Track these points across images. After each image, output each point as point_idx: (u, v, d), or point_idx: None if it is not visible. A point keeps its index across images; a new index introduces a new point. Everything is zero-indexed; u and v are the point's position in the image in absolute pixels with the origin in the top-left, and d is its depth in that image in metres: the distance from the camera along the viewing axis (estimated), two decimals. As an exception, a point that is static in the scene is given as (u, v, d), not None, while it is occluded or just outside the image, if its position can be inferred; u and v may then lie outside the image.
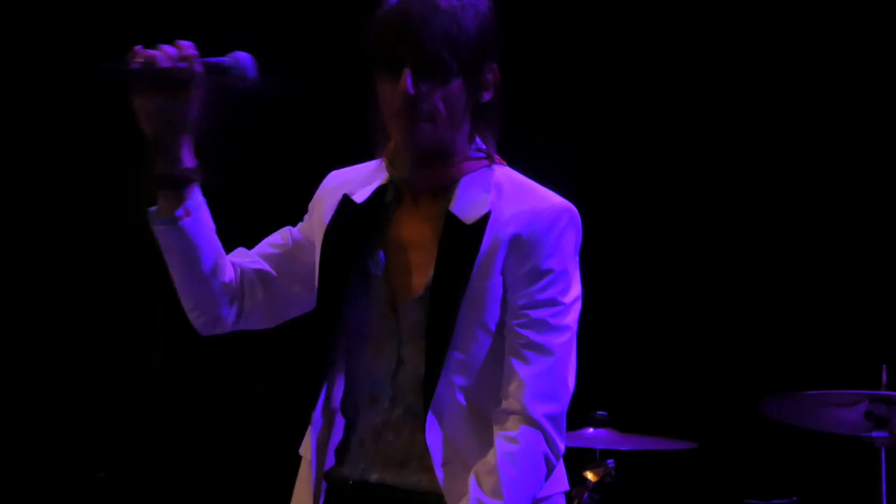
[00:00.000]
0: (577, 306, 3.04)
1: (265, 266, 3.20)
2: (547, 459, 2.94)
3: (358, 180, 3.17)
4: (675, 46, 6.55)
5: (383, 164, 3.11)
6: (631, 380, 6.18)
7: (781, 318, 6.20)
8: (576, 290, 3.02)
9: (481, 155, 3.10)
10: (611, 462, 4.99)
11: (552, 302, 2.98)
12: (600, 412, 5.11)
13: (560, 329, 2.97)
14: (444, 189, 3.08)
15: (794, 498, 5.11)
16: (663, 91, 6.56)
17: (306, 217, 3.25)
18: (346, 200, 3.13)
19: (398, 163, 3.09)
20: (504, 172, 3.12)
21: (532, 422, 2.93)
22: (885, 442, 4.63)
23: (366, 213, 3.12)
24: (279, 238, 3.26)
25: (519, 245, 3.00)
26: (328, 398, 3.08)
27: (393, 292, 3.07)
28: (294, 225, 3.29)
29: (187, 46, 3.02)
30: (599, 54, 6.62)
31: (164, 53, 2.99)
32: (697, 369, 6.25)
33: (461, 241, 3.03)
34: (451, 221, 3.03)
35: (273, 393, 6.64)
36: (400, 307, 3.05)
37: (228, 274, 3.17)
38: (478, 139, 3.10)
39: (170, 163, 3.09)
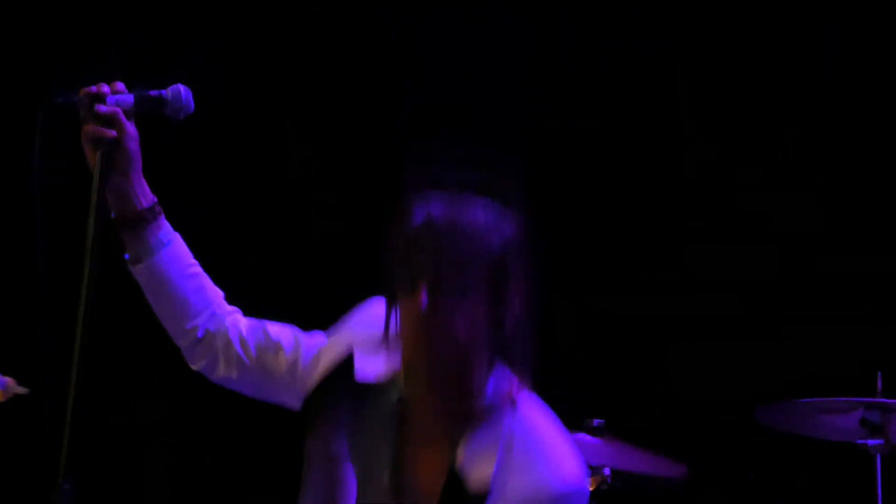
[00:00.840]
0: None
1: (244, 351, 3.11)
2: None
3: (370, 345, 3.05)
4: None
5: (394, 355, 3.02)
6: (627, 387, 6.05)
7: (776, 325, 6.11)
8: None
9: (500, 393, 2.96)
10: (607, 470, 4.93)
11: None
12: (597, 420, 5.02)
13: None
14: (453, 428, 2.97)
15: None
16: (649, 97, 6.43)
17: (312, 347, 3.12)
18: (348, 373, 3.03)
19: (410, 378, 3.00)
20: (520, 418, 2.98)
21: None
22: (881, 449, 4.61)
23: (373, 408, 3.03)
24: (284, 340, 3.13)
25: None
26: None
27: None
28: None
29: (117, 87, 2.96)
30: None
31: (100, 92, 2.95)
32: (693, 377, 6.12)
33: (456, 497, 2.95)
34: (454, 481, 2.95)
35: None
36: None
37: (199, 320, 3.09)
38: (501, 369, 2.97)
39: (123, 203, 3.02)
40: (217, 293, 3.13)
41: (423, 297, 2.88)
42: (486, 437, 2.94)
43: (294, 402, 3.11)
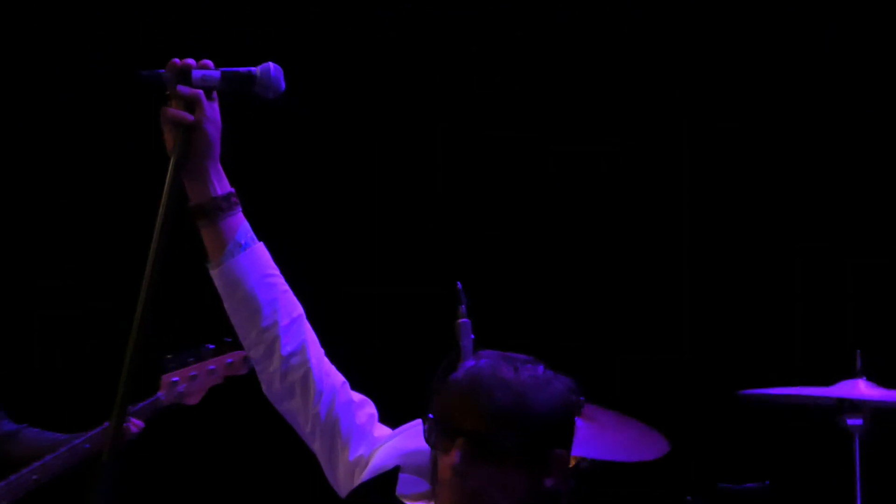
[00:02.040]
0: None
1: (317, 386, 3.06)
2: None
3: (417, 466, 3.02)
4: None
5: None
6: (611, 366, 6.10)
7: (760, 306, 6.17)
8: None
9: None
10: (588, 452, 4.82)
11: None
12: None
13: None
14: None
15: (767, 482, 5.03)
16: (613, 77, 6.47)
17: (373, 426, 3.10)
18: (391, 486, 3.02)
19: None
20: None
21: None
22: (859, 428, 4.64)
23: None
24: (343, 396, 3.09)
25: None
26: None
27: None
28: None
29: (203, 63, 2.88)
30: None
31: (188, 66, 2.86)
32: (679, 358, 6.18)
33: None
34: None
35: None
36: None
37: (281, 324, 3.01)
38: None
39: (200, 189, 2.95)
40: (297, 308, 3.05)
41: (457, 452, 2.81)
42: None
43: (340, 489, 3.10)
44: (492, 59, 6.53)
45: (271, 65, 2.90)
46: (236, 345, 4.97)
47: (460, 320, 3.97)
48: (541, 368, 2.88)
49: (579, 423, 4.73)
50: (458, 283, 4.04)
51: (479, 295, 4.19)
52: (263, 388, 3.06)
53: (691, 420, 5.87)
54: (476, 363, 2.89)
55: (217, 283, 3.01)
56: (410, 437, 3.08)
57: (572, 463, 4.65)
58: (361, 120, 6.84)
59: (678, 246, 6.40)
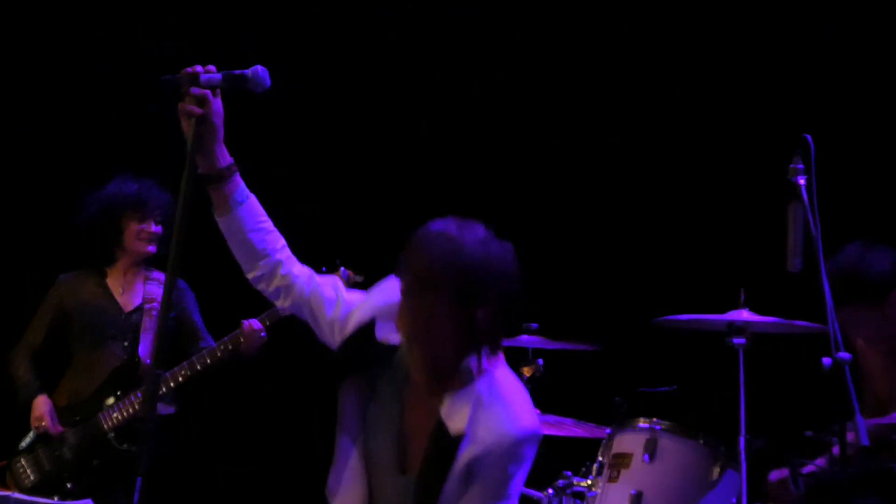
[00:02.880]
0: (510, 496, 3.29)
1: (300, 291, 3.55)
2: None
3: (390, 314, 3.40)
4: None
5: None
6: (557, 299, 6.47)
7: (669, 252, 6.65)
8: (510, 489, 3.31)
9: (476, 366, 3.32)
10: (540, 361, 5.40)
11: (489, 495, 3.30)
12: (533, 324, 5.44)
13: None
14: (439, 390, 3.34)
15: (675, 387, 5.47)
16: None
17: (349, 304, 3.49)
18: (370, 335, 3.40)
19: (407, 350, 3.39)
20: (489, 383, 3.34)
21: None
22: (743, 346, 5.00)
23: (388, 365, 3.41)
24: (327, 294, 3.52)
25: (478, 463, 3.30)
26: None
27: (401, 454, 3.40)
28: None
29: (208, 69, 3.42)
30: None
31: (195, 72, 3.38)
32: (605, 289, 6.72)
33: (444, 450, 3.32)
34: (439, 427, 3.33)
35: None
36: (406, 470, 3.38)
37: (264, 262, 3.52)
38: (479, 348, 3.31)
39: (208, 162, 3.46)
40: (280, 241, 3.56)
41: (404, 287, 3.32)
42: (462, 397, 3.32)
43: (333, 345, 3.54)
44: (486, 46, 6.88)
45: (259, 67, 3.37)
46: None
47: None
48: (482, 230, 3.33)
49: (538, 338, 5.07)
50: None
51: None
52: (268, 296, 3.57)
53: (619, 340, 6.13)
54: (431, 223, 3.33)
55: (223, 230, 3.53)
56: (383, 292, 3.48)
57: (530, 372, 5.33)
58: (361, 111, 6.92)
59: (612, 213, 6.79)
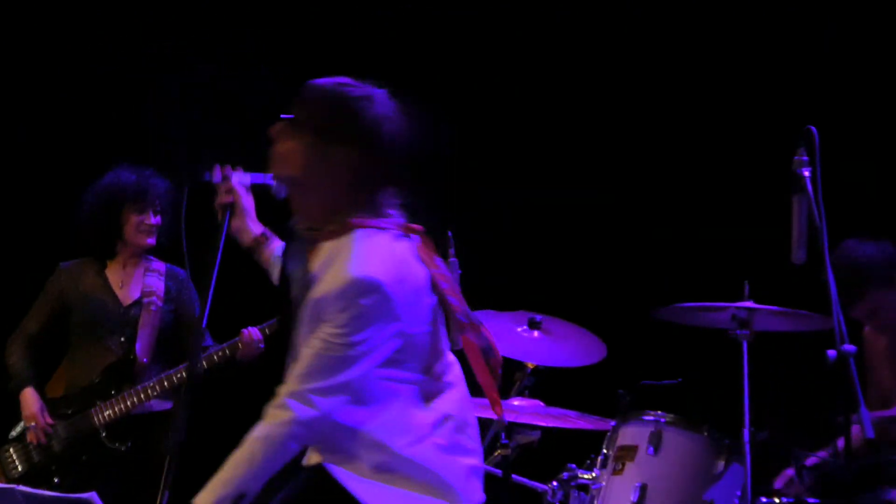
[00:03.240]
0: (353, 350, 3.36)
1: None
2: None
3: None
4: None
5: None
6: (561, 291, 6.56)
7: (674, 245, 6.66)
8: (350, 340, 3.36)
9: (347, 221, 3.45)
10: (543, 357, 5.34)
11: (329, 338, 3.39)
12: (537, 316, 5.44)
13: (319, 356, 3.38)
14: (316, 240, 3.52)
15: (679, 379, 5.44)
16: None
17: None
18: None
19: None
20: (348, 240, 3.44)
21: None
22: (747, 337, 5.01)
23: (298, 244, 3.62)
24: None
25: (317, 305, 3.41)
26: None
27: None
28: None
29: (238, 170, 3.85)
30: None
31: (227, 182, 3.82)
32: (609, 282, 6.75)
33: (304, 293, 3.50)
34: (308, 275, 3.52)
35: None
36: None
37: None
38: (359, 207, 3.46)
39: (243, 236, 3.95)
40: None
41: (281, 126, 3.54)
42: (327, 245, 3.47)
43: None
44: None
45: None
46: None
47: (451, 259, 4.64)
48: (343, 81, 3.52)
49: (538, 335, 5.20)
50: (449, 231, 4.67)
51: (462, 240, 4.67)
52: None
53: (624, 333, 6.06)
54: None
55: (272, 279, 3.92)
56: None
57: (531, 365, 5.31)
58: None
59: (617, 205, 6.80)
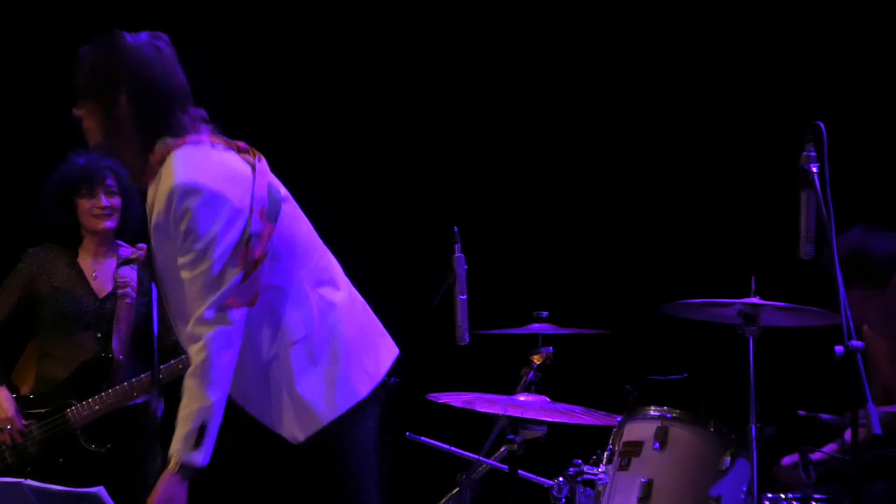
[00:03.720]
0: (212, 253, 3.55)
1: None
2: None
3: None
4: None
5: None
6: (567, 286, 6.61)
7: (681, 240, 6.68)
8: (201, 245, 3.56)
9: (161, 153, 3.64)
10: (550, 349, 5.35)
11: (189, 259, 3.59)
12: (543, 312, 5.39)
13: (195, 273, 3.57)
14: (147, 181, 3.70)
15: (686, 374, 5.39)
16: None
17: None
18: None
19: None
20: (166, 163, 3.64)
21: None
22: (753, 333, 4.97)
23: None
24: None
25: (157, 226, 3.64)
26: None
27: None
28: None
29: None
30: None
31: None
32: (616, 277, 6.76)
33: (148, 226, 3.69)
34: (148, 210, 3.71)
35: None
36: None
37: None
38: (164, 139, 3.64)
39: None
40: None
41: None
42: (153, 181, 3.66)
43: None
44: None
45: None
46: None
47: (456, 255, 4.64)
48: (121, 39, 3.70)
49: (547, 326, 5.18)
50: (455, 227, 4.67)
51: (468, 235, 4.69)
52: None
53: (630, 328, 6.14)
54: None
55: None
56: None
57: (540, 360, 5.28)
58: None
59: (623, 199, 6.80)
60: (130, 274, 5.74)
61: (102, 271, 5.74)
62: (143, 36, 3.71)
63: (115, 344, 5.62)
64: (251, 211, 3.60)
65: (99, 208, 5.69)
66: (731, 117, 6.67)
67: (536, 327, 5.49)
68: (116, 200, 5.72)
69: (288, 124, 6.88)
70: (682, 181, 6.75)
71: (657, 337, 6.29)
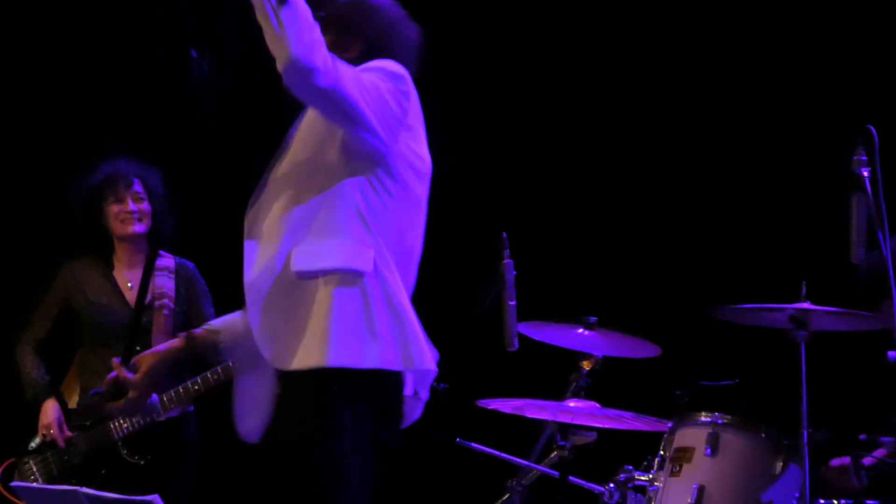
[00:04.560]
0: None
1: None
2: None
3: None
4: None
5: None
6: (615, 290, 6.58)
7: (731, 245, 6.68)
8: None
9: None
10: (600, 354, 5.40)
11: None
12: (591, 317, 5.42)
13: None
14: None
15: (737, 380, 5.40)
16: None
17: None
18: None
19: None
20: None
21: None
22: (804, 338, 4.96)
23: None
24: None
25: None
26: None
27: None
28: None
29: None
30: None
31: None
32: (666, 282, 6.72)
33: None
34: None
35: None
36: None
37: None
38: None
39: None
40: None
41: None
42: None
43: None
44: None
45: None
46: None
47: (505, 261, 4.58)
48: None
49: (591, 333, 5.19)
50: (504, 233, 4.62)
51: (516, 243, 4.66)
52: None
53: (677, 332, 6.03)
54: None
55: None
56: None
57: (590, 366, 5.33)
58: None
59: (672, 205, 6.78)
60: (167, 284, 5.75)
61: (138, 281, 5.73)
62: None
63: None
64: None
65: (126, 212, 5.71)
66: (781, 121, 6.66)
67: (585, 334, 5.50)
68: (145, 206, 5.74)
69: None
70: (732, 186, 6.75)
71: (707, 342, 6.26)
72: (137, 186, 5.72)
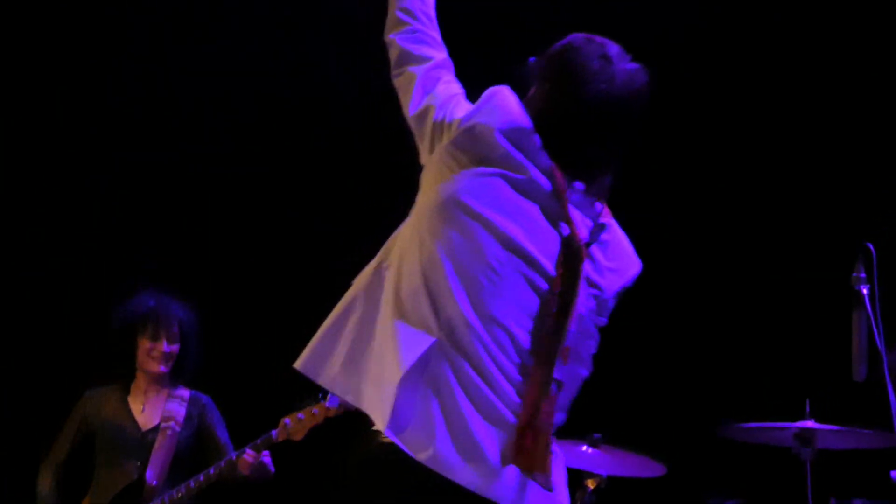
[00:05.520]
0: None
1: None
2: None
3: None
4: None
5: None
6: (620, 407, 6.43)
7: (734, 364, 6.65)
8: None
9: None
10: (604, 473, 5.37)
11: None
12: (596, 434, 5.41)
13: None
14: None
15: (743, 501, 5.46)
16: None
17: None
18: None
19: None
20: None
21: None
22: (809, 455, 5.05)
23: None
24: None
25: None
26: None
27: None
28: None
29: None
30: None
31: None
32: (671, 401, 6.69)
33: None
34: None
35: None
36: None
37: None
38: None
39: None
40: None
41: None
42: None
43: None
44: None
45: None
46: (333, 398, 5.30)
47: None
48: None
49: (595, 451, 5.30)
50: None
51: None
52: None
53: (683, 450, 6.03)
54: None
55: None
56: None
57: (594, 484, 5.28)
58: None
59: (676, 322, 6.76)
60: (178, 409, 5.92)
61: (151, 406, 5.92)
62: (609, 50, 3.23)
63: (150, 471, 5.75)
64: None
65: (159, 352, 5.88)
66: (781, 239, 6.66)
67: (590, 452, 5.49)
68: (176, 347, 5.91)
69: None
70: (736, 303, 6.71)
71: (713, 459, 6.20)
72: (175, 328, 5.89)
